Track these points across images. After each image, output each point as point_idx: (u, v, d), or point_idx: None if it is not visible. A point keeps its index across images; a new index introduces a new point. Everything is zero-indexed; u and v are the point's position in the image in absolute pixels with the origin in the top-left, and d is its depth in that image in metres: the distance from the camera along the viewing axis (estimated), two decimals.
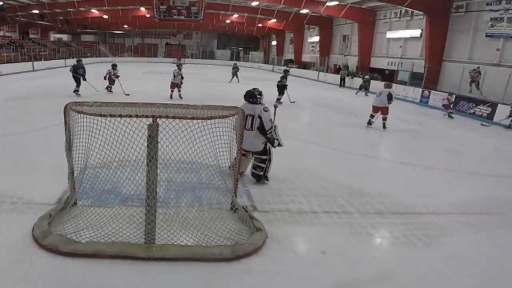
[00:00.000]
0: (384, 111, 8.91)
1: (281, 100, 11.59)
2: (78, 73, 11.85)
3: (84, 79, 11.93)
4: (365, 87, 17.79)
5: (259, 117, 4.47)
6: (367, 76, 19.05)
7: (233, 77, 19.81)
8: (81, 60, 12.54)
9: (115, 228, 3.17)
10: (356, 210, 4.16)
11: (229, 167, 3.85)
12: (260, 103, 4.63)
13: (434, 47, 15.77)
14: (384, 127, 8.85)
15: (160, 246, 3.03)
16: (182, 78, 11.99)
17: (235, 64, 21.56)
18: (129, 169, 4.52)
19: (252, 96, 4.62)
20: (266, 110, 4.54)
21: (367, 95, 17.39)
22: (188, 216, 3.50)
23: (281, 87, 12.37)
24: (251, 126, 4.48)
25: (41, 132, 6.85)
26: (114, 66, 12.93)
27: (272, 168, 5.37)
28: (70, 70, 12.08)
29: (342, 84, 20.57)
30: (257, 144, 4.57)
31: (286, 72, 14.00)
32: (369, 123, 9.16)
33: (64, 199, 3.80)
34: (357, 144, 7.41)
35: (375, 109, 9.06)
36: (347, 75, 20.85)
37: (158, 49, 41.34)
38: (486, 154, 7.51)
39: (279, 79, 12.83)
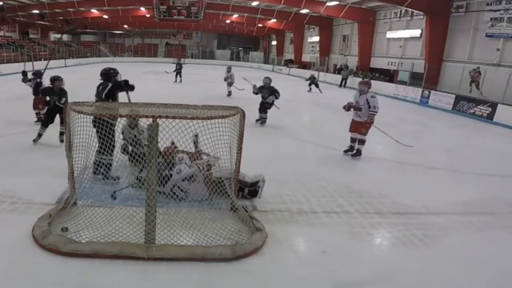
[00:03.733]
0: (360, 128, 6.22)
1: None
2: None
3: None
4: (314, 83, 17.01)
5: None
6: (312, 73, 18.64)
7: (177, 76, 17.48)
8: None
9: (115, 228, 3.17)
10: (356, 210, 4.16)
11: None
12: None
13: (434, 47, 15.76)
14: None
15: (160, 246, 3.03)
16: None
17: (179, 60, 18.96)
18: (129, 169, 4.53)
19: None
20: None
21: (310, 91, 16.96)
22: (188, 216, 3.50)
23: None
24: None
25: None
26: (36, 74, 7.32)
27: (272, 168, 5.38)
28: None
29: (343, 84, 20.33)
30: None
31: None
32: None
33: (64, 199, 3.80)
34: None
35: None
36: (350, 75, 20.51)
37: (158, 49, 41.35)
38: (486, 154, 7.50)
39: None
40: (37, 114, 7.40)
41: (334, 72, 23.90)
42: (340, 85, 20.43)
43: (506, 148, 8.29)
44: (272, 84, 8.57)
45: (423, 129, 10.04)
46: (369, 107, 5.98)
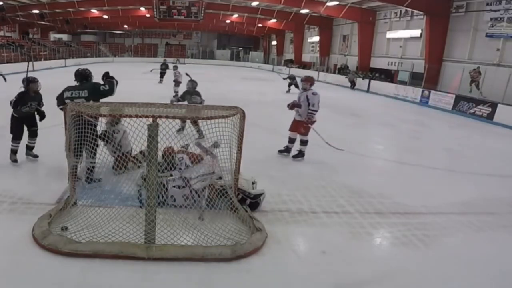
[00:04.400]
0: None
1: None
2: None
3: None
4: (294, 84, 15.29)
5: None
6: (292, 73, 16.91)
7: (162, 77, 16.64)
8: None
9: (115, 228, 3.17)
10: (356, 210, 4.16)
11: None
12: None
13: (434, 47, 15.77)
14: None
15: (160, 246, 3.03)
16: None
17: (165, 60, 17.94)
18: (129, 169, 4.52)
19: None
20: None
21: (289, 92, 15.52)
22: (188, 216, 3.50)
23: None
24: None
25: (41, 132, 6.84)
26: None
27: (272, 168, 5.38)
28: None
29: (352, 87, 19.24)
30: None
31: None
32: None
33: (64, 199, 3.80)
34: (357, 144, 7.41)
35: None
36: (357, 77, 19.50)
37: (158, 49, 41.35)
38: (486, 154, 7.50)
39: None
40: None
41: (334, 72, 23.90)
42: (351, 87, 19.30)
43: (506, 148, 8.29)
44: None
45: (423, 129, 10.04)
46: (309, 105, 5.67)
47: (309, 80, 5.90)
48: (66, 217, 3.48)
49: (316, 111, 5.73)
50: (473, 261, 3.28)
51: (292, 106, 5.88)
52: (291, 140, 6.01)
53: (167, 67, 16.79)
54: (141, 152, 4.53)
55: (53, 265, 2.81)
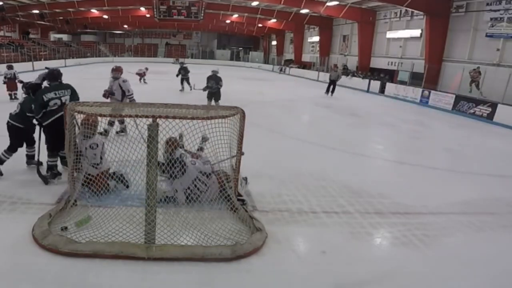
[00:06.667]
0: None
1: None
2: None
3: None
4: (211, 94, 9.37)
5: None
6: (214, 70, 10.04)
7: (183, 83, 13.70)
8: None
9: (115, 228, 3.17)
10: (356, 210, 4.16)
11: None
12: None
13: (434, 47, 15.77)
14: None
15: (160, 246, 3.03)
16: None
17: (181, 63, 15.00)
18: (129, 169, 4.53)
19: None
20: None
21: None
22: (188, 216, 3.50)
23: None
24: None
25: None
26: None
27: (272, 168, 5.39)
28: None
29: (330, 89, 15.26)
30: None
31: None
32: None
33: (64, 199, 3.80)
34: (356, 144, 7.41)
35: None
36: (340, 78, 15.96)
37: (158, 49, 41.37)
38: (486, 154, 7.50)
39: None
40: None
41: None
42: (327, 91, 15.31)
43: (506, 148, 8.29)
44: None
45: (423, 129, 10.04)
46: (124, 91, 6.26)
47: (119, 70, 6.48)
48: (66, 217, 3.48)
49: (133, 94, 6.38)
50: (473, 261, 3.28)
51: (108, 95, 6.40)
52: (120, 122, 6.44)
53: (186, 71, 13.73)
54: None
55: (53, 265, 2.81)
